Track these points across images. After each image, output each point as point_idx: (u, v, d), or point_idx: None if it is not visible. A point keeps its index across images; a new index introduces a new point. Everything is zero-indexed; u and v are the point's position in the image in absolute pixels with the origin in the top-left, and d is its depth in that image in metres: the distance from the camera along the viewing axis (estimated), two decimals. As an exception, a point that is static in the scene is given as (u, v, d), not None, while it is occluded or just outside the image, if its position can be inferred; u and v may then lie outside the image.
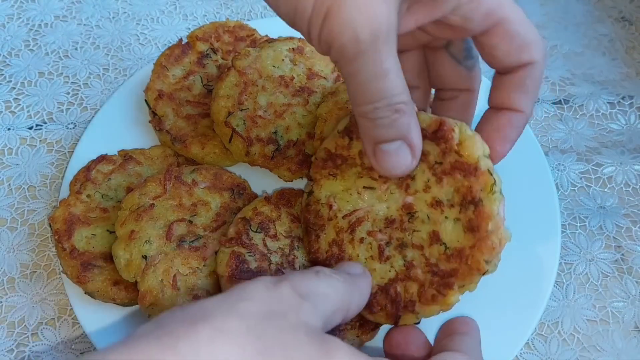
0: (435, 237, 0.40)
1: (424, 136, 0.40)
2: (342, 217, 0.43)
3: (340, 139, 0.44)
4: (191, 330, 0.29)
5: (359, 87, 0.35)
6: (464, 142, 0.39)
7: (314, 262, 0.45)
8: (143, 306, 0.51)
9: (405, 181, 0.41)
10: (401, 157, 0.38)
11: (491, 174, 0.40)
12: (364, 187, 0.43)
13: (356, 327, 0.54)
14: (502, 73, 0.41)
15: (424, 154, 0.41)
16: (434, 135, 0.40)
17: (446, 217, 0.40)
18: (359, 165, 0.43)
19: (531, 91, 0.40)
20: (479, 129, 0.42)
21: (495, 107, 0.41)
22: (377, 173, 0.42)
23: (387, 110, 0.36)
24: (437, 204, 0.40)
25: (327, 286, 0.36)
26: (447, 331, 0.47)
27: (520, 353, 0.55)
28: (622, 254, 0.61)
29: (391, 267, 0.42)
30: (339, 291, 0.37)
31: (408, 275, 0.41)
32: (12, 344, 0.56)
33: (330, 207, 0.44)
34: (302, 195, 0.48)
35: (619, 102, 0.72)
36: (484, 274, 0.40)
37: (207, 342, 0.29)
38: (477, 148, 0.39)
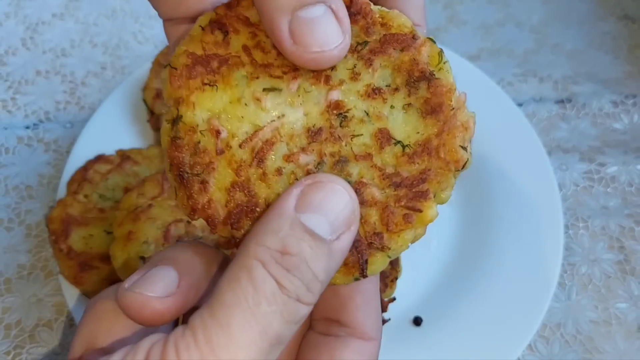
0: (384, 137, 0.29)
1: None
2: (239, 146, 0.29)
3: (208, 35, 0.30)
4: None
5: None
6: (387, 14, 0.30)
7: (207, 222, 0.30)
8: (141, 308, 0.50)
9: (322, 73, 0.29)
10: (330, 27, 0.27)
11: (434, 42, 0.31)
12: (264, 90, 0.29)
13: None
14: None
15: None
16: (348, 12, 0.29)
17: (392, 107, 0.29)
18: (248, 63, 0.30)
19: (422, 4, 0.34)
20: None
21: None
22: (278, 68, 0.30)
23: None
24: (374, 92, 0.29)
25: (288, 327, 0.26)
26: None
27: (523, 355, 0.54)
28: (625, 255, 0.60)
29: None
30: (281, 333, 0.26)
31: (361, 200, 0.29)
32: (10, 346, 0.56)
33: (217, 133, 0.29)
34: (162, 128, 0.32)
35: (622, 101, 0.71)
36: (462, 168, 0.30)
37: None
38: (405, 18, 0.31)
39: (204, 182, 0.29)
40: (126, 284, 0.29)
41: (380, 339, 0.33)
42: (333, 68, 0.30)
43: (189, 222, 0.54)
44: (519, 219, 0.59)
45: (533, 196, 0.59)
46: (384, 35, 0.30)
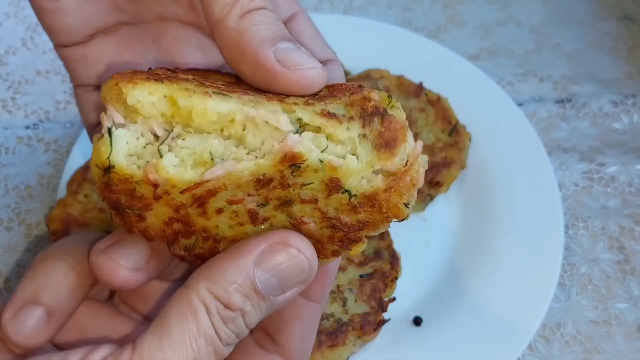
0: (334, 185, 0.28)
1: None
2: (180, 193, 0.27)
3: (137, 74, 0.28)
4: None
5: None
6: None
7: (146, 239, 0.30)
8: (141, 308, 0.50)
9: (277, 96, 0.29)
10: (307, 56, 0.29)
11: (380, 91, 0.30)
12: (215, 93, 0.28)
13: (357, 328, 0.54)
14: None
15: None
16: None
17: (348, 129, 0.28)
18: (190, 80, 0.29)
19: (316, 36, 0.37)
20: None
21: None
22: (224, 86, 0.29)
23: (264, 1, 0.30)
24: (329, 115, 0.28)
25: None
26: None
27: (523, 355, 0.54)
28: (625, 255, 0.60)
29: (271, 226, 0.30)
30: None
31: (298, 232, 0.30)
32: (9, 346, 0.56)
33: (155, 186, 0.27)
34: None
35: (622, 101, 0.71)
36: (402, 220, 0.30)
37: None
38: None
39: (139, 216, 0.29)
40: (102, 245, 0.32)
41: None
42: (282, 100, 0.28)
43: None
44: (518, 218, 0.59)
45: (533, 196, 0.60)
46: (331, 86, 0.30)
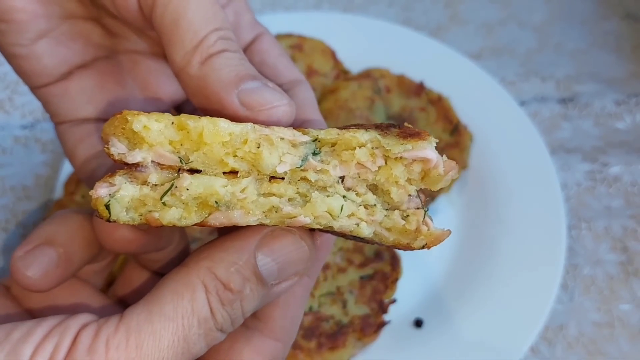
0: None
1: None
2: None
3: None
4: None
5: (195, 18, 0.30)
6: None
7: None
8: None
9: None
10: (270, 92, 0.30)
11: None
12: None
13: (358, 330, 0.53)
14: None
15: None
16: None
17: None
18: None
19: (312, 104, 0.37)
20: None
21: (284, 86, 0.37)
22: None
23: (229, 42, 0.31)
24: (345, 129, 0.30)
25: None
26: None
27: (525, 356, 0.54)
28: (628, 256, 0.59)
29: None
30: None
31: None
32: (6, 348, 0.55)
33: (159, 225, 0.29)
34: None
35: (625, 100, 0.71)
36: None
37: None
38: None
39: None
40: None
41: (288, 345, 0.34)
42: None
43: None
44: (521, 219, 0.58)
45: (535, 197, 0.59)
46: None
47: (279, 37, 0.63)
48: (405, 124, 0.31)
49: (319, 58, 0.62)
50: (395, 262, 0.57)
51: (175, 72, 0.31)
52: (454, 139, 0.64)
